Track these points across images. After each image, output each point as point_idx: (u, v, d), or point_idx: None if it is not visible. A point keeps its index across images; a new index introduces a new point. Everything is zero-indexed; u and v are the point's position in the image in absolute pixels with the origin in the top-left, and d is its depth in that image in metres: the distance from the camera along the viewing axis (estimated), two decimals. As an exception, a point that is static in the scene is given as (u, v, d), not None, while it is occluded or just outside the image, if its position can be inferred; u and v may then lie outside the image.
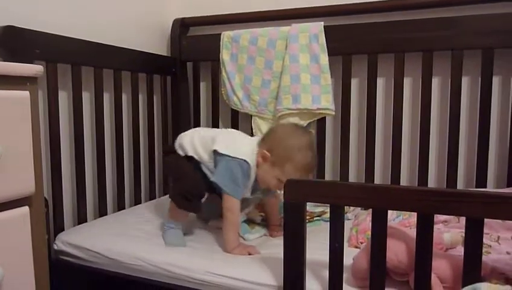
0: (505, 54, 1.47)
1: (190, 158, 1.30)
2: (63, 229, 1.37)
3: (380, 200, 0.84)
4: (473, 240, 0.78)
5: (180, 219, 1.30)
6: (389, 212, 1.21)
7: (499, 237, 1.01)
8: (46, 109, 1.35)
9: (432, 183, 1.62)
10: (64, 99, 1.45)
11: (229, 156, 1.23)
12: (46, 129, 1.35)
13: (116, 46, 1.60)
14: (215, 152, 1.26)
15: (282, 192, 0.93)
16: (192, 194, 1.25)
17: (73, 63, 1.42)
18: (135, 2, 1.80)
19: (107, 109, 1.61)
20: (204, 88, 1.99)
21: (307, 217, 1.41)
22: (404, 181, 1.66)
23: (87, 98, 1.53)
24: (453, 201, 0.78)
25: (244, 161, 1.23)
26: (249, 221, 1.42)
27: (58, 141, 1.37)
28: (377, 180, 1.70)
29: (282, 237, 0.93)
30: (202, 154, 1.29)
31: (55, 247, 1.30)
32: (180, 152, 1.33)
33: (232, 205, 1.22)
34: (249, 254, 1.17)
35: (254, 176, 1.26)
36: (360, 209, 1.49)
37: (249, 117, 1.82)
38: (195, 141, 1.31)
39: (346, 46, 1.65)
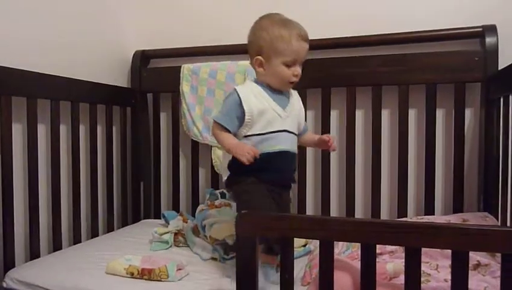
0: (448, 88, 1.57)
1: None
2: (13, 266, 1.33)
3: (325, 231, 0.86)
4: (412, 269, 0.82)
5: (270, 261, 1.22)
6: (339, 245, 1.26)
7: (437, 265, 1.06)
8: (-1, 142, 1.33)
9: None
10: (19, 131, 1.43)
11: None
12: (-1, 162, 1.33)
13: (73, 78, 1.60)
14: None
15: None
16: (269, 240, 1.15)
17: (28, 95, 1.41)
18: (95, 34, 1.82)
19: (64, 141, 1.60)
20: (164, 119, 2.01)
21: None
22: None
23: (43, 130, 1.52)
24: (392, 232, 0.82)
25: (234, 90, 1.21)
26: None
27: (11, 174, 1.34)
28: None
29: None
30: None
31: (4, 285, 1.25)
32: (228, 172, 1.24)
33: (213, 130, 1.21)
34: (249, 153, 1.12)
35: (264, 96, 1.21)
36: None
37: (209, 148, 1.85)
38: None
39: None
